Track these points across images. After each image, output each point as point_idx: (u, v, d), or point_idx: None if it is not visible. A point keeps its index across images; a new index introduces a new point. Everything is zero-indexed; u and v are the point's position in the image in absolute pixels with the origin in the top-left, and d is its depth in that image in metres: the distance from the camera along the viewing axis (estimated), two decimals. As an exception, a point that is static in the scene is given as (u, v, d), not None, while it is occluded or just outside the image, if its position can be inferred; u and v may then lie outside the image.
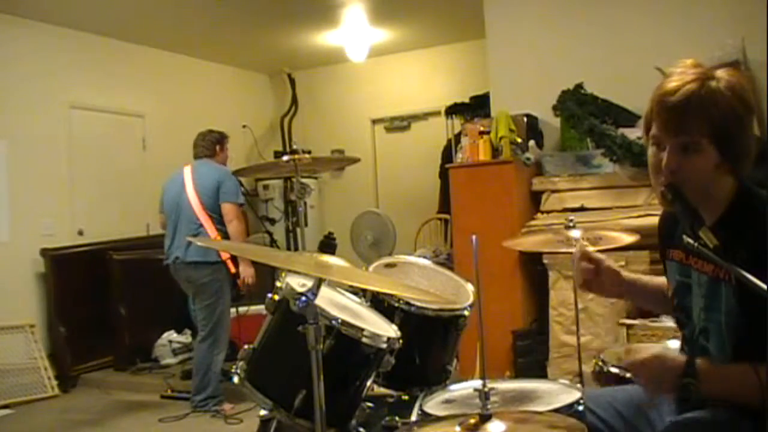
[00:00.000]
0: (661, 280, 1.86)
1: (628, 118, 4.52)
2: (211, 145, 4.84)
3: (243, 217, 4.77)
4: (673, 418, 1.55)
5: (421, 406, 1.86)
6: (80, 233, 6.25)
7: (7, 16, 5.76)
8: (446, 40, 7.53)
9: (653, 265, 3.93)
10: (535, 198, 4.73)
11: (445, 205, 6.12)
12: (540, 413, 1.59)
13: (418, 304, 2.17)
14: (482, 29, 5.44)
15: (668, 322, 3.51)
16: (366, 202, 7.77)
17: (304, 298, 1.58)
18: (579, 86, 4.68)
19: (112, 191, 6.60)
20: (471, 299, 2.33)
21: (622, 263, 4.06)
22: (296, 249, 6.74)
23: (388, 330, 2.00)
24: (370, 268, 2.45)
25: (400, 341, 1.95)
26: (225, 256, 4.54)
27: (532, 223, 4.49)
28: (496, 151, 4.74)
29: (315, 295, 1.59)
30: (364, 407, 1.92)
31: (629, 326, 4.06)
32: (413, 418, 1.85)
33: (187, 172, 4.73)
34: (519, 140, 4.73)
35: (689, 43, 4.38)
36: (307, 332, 1.56)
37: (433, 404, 1.89)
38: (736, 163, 1.49)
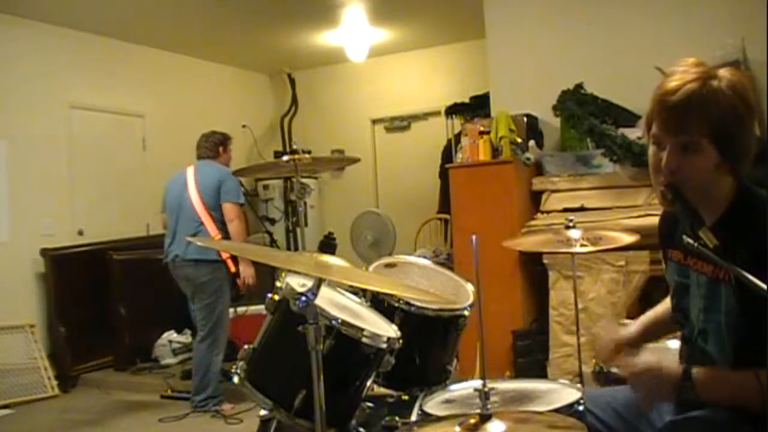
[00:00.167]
0: (666, 303, 1.85)
1: (628, 118, 4.52)
2: (214, 146, 4.85)
3: (243, 217, 4.77)
4: (673, 417, 1.55)
5: (421, 406, 1.87)
6: (80, 233, 6.25)
7: (7, 16, 5.76)
8: (446, 40, 7.53)
9: (653, 265, 3.93)
10: (535, 198, 4.73)
11: (445, 205, 6.12)
12: (540, 413, 1.59)
13: (418, 304, 2.17)
14: (482, 29, 5.44)
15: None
16: (366, 202, 7.77)
17: (304, 298, 1.58)
18: (579, 86, 4.68)
19: (112, 191, 6.60)
20: (471, 299, 2.33)
21: (622, 263, 4.08)
22: (296, 249, 6.74)
23: (388, 330, 2.00)
24: (370, 268, 2.45)
25: (400, 341, 1.95)
26: (225, 255, 4.54)
27: (532, 223, 4.49)
28: (496, 151, 4.74)
29: (315, 295, 1.59)
30: (364, 407, 1.92)
31: (629, 326, 4.07)
32: (413, 418, 1.85)
33: (190, 172, 4.74)
34: (519, 140, 4.72)
35: (689, 43, 4.38)
36: (307, 332, 1.56)
37: (433, 404, 1.89)
38: (736, 162, 1.49)
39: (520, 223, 4.50)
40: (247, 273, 4.59)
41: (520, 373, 4.26)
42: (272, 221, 6.93)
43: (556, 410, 1.65)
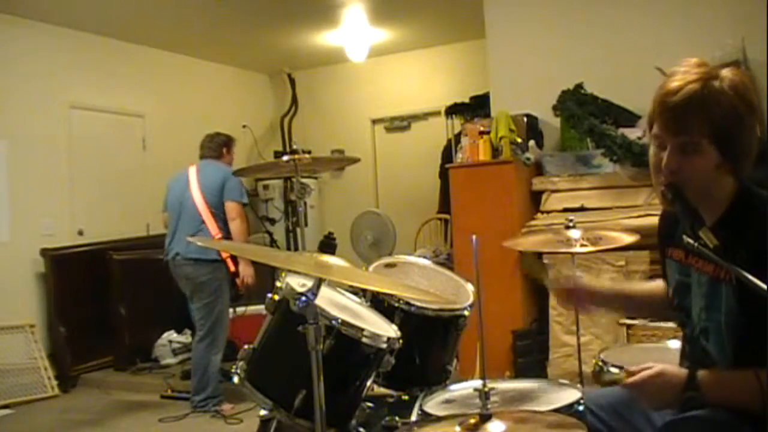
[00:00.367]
0: (652, 285, 1.88)
1: (628, 118, 4.52)
2: (218, 147, 4.85)
3: (245, 216, 4.77)
4: (672, 417, 1.55)
5: (421, 406, 1.87)
6: (80, 233, 6.25)
7: (7, 16, 5.76)
8: (446, 40, 7.53)
9: (653, 265, 3.93)
10: (535, 198, 4.73)
11: (445, 205, 6.12)
12: (540, 413, 1.59)
13: (418, 304, 2.17)
14: (482, 29, 5.44)
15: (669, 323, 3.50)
16: (366, 202, 7.77)
17: (304, 298, 1.58)
18: (579, 86, 4.68)
19: (112, 191, 6.59)
20: (471, 299, 2.33)
21: (622, 263, 4.08)
22: (296, 249, 6.74)
23: (388, 330, 2.00)
24: (370, 268, 2.45)
25: (400, 341, 1.95)
26: (225, 254, 4.54)
27: (532, 223, 4.49)
28: (496, 151, 4.74)
29: (315, 295, 1.59)
30: (364, 407, 1.92)
31: (629, 326, 4.07)
32: (413, 418, 1.85)
33: (192, 172, 4.74)
34: (519, 140, 4.72)
35: (689, 43, 4.38)
36: (307, 332, 1.56)
37: (433, 404, 1.89)
38: (737, 163, 1.49)
39: (520, 223, 4.50)
40: (246, 273, 4.59)
41: (520, 373, 4.26)
42: (272, 221, 6.93)
43: (556, 410, 1.65)
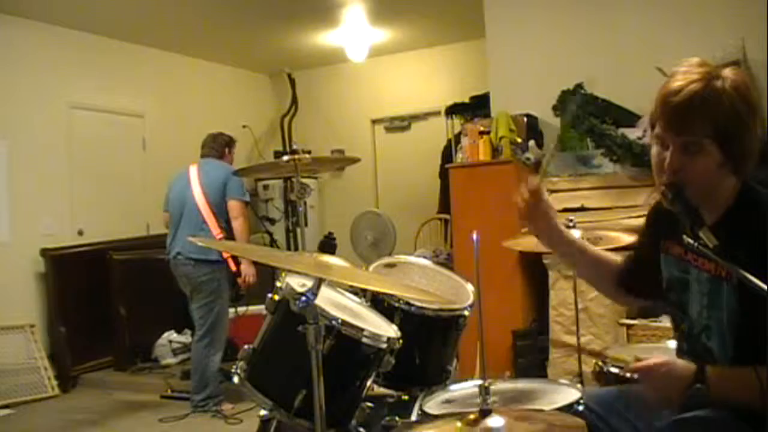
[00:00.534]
0: (608, 254, 1.91)
1: (628, 118, 4.52)
2: (221, 147, 4.86)
3: (247, 215, 4.77)
4: (674, 417, 1.55)
5: (421, 406, 1.87)
6: (80, 233, 6.25)
7: (7, 16, 5.76)
8: (446, 40, 7.53)
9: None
10: (535, 198, 4.72)
11: (445, 205, 6.12)
12: (540, 411, 1.59)
13: (418, 304, 2.17)
14: (482, 29, 5.44)
15: (669, 323, 3.50)
16: (366, 202, 7.77)
17: (304, 298, 1.58)
18: (579, 86, 4.68)
19: (112, 191, 6.59)
20: (471, 299, 2.33)
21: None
22: (296, 249, 6.74)
23: (388, 330, 2.00)
24: (370, 268, 2.45)
25: (400, 341, 1.95)
26: (226, 254, 4.54)
27: (532, 223, 4.48)
28: (496, 151, 4.74)
29: (315, 295, 1.59)
30: (364, 407, 1.92)
31: (629, 326, 4.07)
32: (413, 418, 1.85)
33: (194, 171, 4.74)
34: (519, 140, 4.72)
35: (689, 43, 4.38)
36: (307, 332, 1.56)
37: (433, 404, 1.89)
38: (739, 162, 1.49)
39: (520, 223, 4.49)
40: (248, 272, 4.59)
41: (520, 373, 4.26)
42: (272, 221, 6.94)
43: (556, 410, 1.65)
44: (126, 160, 6.80)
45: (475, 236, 1.49)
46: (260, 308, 2.06)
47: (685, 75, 1.47)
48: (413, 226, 6.87)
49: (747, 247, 1.40)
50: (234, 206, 4.61)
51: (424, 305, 2.17)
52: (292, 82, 8.12)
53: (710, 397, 1.44)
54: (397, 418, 2.03)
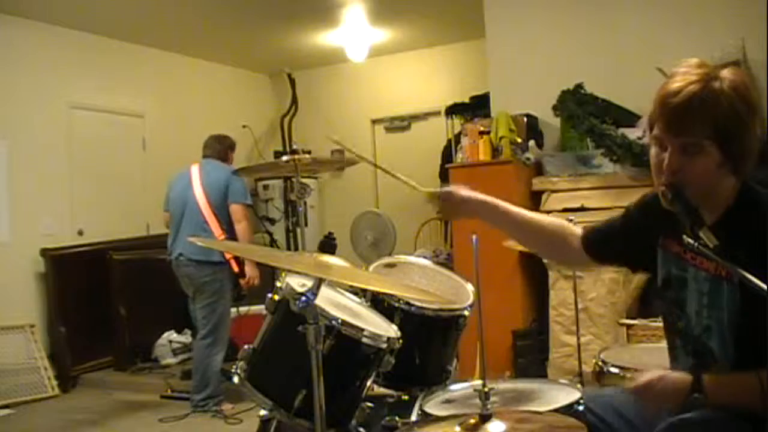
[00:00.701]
0: (547, 220, 1.96)
1: (628, 118, 4.52)
2: (224, 149, 4.86)
3: (249, 218, 4.76)
4: (672, 418, 1.55)
5: (421, 406, 1.87)
6: (80, 233, 6.25)
7: (7, 16, 5.76)
8: (446, 40, 7.53)
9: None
10: (535, 198, 4.72)
11: (445, 205, 6.11)
12: (540, 413, 1.59)
13: (418, 304, 2.17)
14: (482, 29, 5.44)
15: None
16: (366, 202, 7.77)
17: (304, 298, 1.58)
18: (579, 86, 4.68)
19: (112, 191, 6.59)
20: (471, 299, 2.33)
21: (622, 263, 4.07)
22: (296, 249, 6.74)
23: (388, 330, 2.00)
24: (370, 268, 2.44)
25: (400, 341, 1.95)
26: (228, 255, 4.54)
27: (532, 223, 4.48)
28: (496, 151, 4.74)
29: (315, 295, 1.59)
30: (364, 407, 1.92)
31: (629, 326, 4.07)
32: (413, 418, 1.85)
33: (195, 171, 4.73)
34: (519, 140, 4.72)
35: (689, 43, 4.38)
36: (307, 332, 1.56)
37: (433, 404, 1.89)
38: (739, 163, 1.49)
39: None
40: (252, 275, 4.59)
41: (520, 373, 4.26)
42: (272, 221, 6.94)
43: (556, 410, 1.65)
44: (126, 160, 6.80)
45: (474, 239, 1.48)
46: (261, 308, 2.06)
47: (683, 76, 1.47)
48: (413, 226, 6.88)
49: (747, 247, 1.40)
50: (236, 210, 4.60)
51: (424, 305, 2.17)
52: (292, 82, 8.12)
53: (708, 405, 1.45)
54: (397, 418, 2.03)
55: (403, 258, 2.64)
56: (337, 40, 7.25)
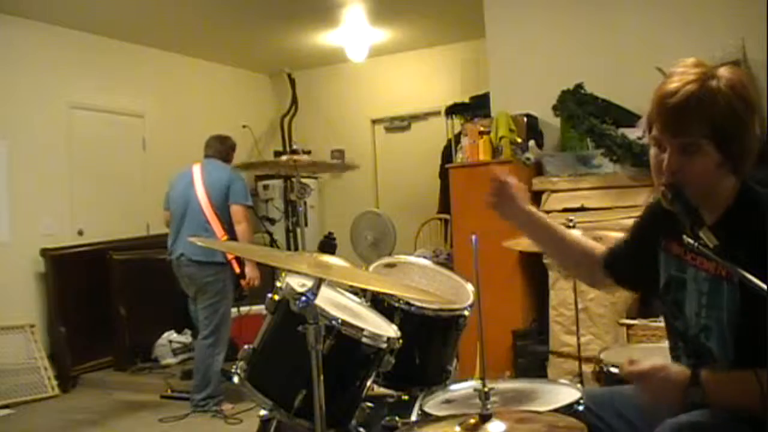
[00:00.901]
0: (588, 240, 1.98)
1: (628, 118, 4.52)
2: (227, 150, 4.86)
3: (250, 219, 4.76)
4: (672, 418, 1.55)
5: (421, 406, 1.87)
6: (80, 233, 6.25)
7: (7, 16, 5.76)
8: (446, 40, 7.53)
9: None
10: (535, 198, 4.72)
11: (445, 205, 6.12)
12: (540, 413, 1.59)
13: (418, 304, 2.17)
14: (482, 29, 5.44)
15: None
16: (366, 202, 7.77)
17: (304, 298, 1.58)
18: (579, 86, 4.67)
19: (112, 191, 6.59)
20: (471, 299, 2.33)
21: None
22: (296, 249, 6.74)
23: (388, 330, 2.00)
24: (370, 268, 2.45)
25: (400, 341, 1.95)
26: (230, 256, 4.53)
27: (532, 223, 4.48)
28: (496, 151, 4.74)
29: (315, 295, 1.60)
30: (364, 407, 1.92)
31: (629, 326, 4.07)
32: (413, 418, 1.85)
33: (197, 170, 4.72)
34: (519, 140, 4.72)
35: (689, 43, 4.38)
36: (307, 332, 1.57)
37: (433, 404, 1.89)
38: (738, 162, 1.49)
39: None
40: (253, 275, 4.59)
41: (520, 373, 4.25)
42: (272, 221, 6.93)
43: (556, 410, 1.65)
44: (126, 160, 6.80)
45: (474, 239, 1.48)
46: (261, 308, 2.06)
47: (680, 76, 1.47)
48: (413, 226, 6.87)
49: (747, 246, 1.40)
50: (237, 211, 4.60)
51: (424, 305, 2.17)
52: (292, 82, 8.12)
53: (707, 402, 1.44)
54: (397, 418, 2.03)
55: (403, 258, 2.64)
56: (337, 40, 7.25)
